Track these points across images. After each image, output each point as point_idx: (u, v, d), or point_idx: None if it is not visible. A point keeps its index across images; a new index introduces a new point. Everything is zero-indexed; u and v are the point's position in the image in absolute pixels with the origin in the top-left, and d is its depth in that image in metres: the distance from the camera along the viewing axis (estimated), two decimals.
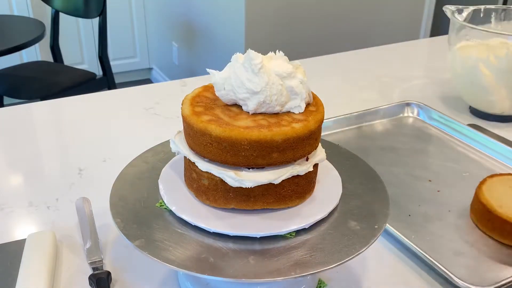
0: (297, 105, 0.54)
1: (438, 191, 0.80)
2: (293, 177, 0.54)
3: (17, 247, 0.65)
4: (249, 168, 0.53)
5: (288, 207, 0.56)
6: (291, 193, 0.55)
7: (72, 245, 0.68)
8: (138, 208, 0.56)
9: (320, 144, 0.59)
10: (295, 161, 0.54)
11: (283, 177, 0.53)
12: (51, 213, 0.74)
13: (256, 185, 0.52)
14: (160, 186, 0.59)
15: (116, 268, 0.64)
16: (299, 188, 0.55)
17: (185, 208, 0.55)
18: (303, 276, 0.48)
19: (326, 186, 0.60)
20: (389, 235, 0.69)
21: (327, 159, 0.62)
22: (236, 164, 0.52)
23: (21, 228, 0.72)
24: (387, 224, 0.57)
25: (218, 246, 0.51)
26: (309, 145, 0.54)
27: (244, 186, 0.52)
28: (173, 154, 0.63)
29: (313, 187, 0.58)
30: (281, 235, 0.53)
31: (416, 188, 0.81)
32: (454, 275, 0.60)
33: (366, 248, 0.51)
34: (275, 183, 0.52)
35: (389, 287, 0.63)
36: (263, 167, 0.53)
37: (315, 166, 0.57)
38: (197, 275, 0.48)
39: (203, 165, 0.54)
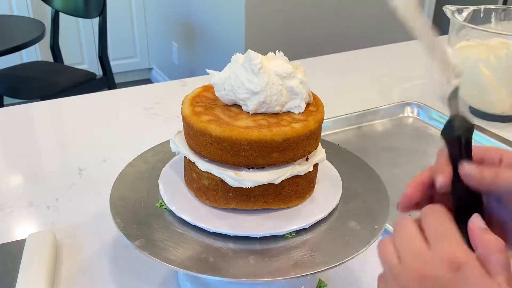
0: (297, 105, 0.54)
1: None
2: (293, 177, 0.54)
3: (17, 247, 0.65)
4: (249, 168, 0.53)
5: (288, 207, 0.56)
6: (291, 193, 0.55)
7: (72, 245, 0.68)
8: (138, 208, 0.56)
9: (320, 144, 0.58)
10: (295, 161, 0.54)
11: (283, 177, 0.53)
12: (51, 213, 0.74)
13: (256, 185, 0.52)
14: (160, 186, 0.59)
15: (116, 268, 0.64)
16: (299, 188, 0.55)
17: (185, 208, 0.55)
18: (303, 276, 0.48)
19: (326, 186, 0.59)
20: (389, 235, 0.69)
21: (327, 159, 0.62)
22: (236, 164, 0.52)
23: (21, 228, 0.72)
24: (387, 224, 0.57)
25: (218, 246, 0.51)
26: (309, 145, 0.54)
27: (244, 186, 0.52)
28: (173, 154, 0.63)
29: (313, 187, 0.58)
30: (281, 235, 0.53)
31: None
32: None
33: (366, 248, 0.51)
34: (275, 183, 0.52)
35: None
36: (263, 167, 0.53)
37: (315, 166, 0.57)
38: (197, 275, 0.48)
39: (203, 165, 0.54)
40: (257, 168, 0.53)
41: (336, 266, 0.49)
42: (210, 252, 0.51)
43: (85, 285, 0.61)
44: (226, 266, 0.49)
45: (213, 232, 0.52)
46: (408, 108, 1.04)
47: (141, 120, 1.03)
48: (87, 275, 0.63)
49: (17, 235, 0.70)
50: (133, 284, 0.62)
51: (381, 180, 0.62)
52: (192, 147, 0.55)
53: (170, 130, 0.64)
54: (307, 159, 0.56)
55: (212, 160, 0.53)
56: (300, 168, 0.54)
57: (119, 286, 0.61)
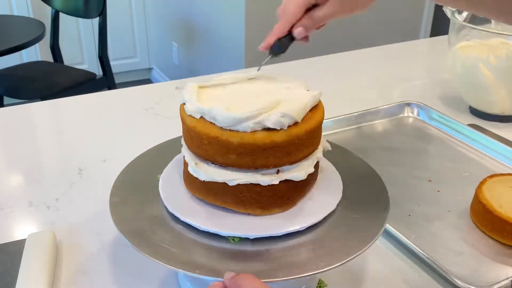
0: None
1: (438, 191, 0.79)
2: (254, 185, 0.52)
3: (17, 247, 0.65)
4: (214, 163, 0.53)
5: (249, 214, 0.54)
6: (251, 200, 0.53)
7: (72, 245, 0.68)
8: (137, 208, 0.57)
9: (309, 162, 0.55)
10: (256, 168, 0.52)
11: (239, 181, 0.52)
12: (51, 213, 0.74)
13: (210, 180, 0.52)
14: (160, 180, 0.60)
15: (116, 268, 0.64)
16: (262, 199, 0.53)
17: (175, 203, 0.56)
18: (303, 276, 0.48)
19: (326, 187, 0.59)
20: (389, 235, 0.69)
21: (327, 159, 0.62)
22: (202, 157, 0.54)
23: (21, 228, 0.72)
24: (387, 224, 0.57)
25: (217, 246, 0.51)
26: (275, 157, 0.51)
27: (199, 178, 0.53)
28: (172, 155, 0.63)
29: (286, 203, 0.55)
30: (280, 235, 0.52)
31: (416, 188, 0.81)
32: (454, 275, 0.60)
33: (366, 248, 0.51)
34: (230, 185, 0.52)
35: (389, 287, 0.63)
36: (224, 166, 0.53)
37: (288, 182, 0.53)
38: (194, 275, 0.48)
39: (184, 151, 0.56)
40: (219, 165, 0.53)
41: (336, 266, 0.49)
42: (208, 252, 0.51)
43: (85, 285, 0.61)
44: (225, 267, 0.49)
45: (212, 233, 0.52)
46: (408, 108, 1.04)
47: (141, 120, 1.03)
48: (87, 275, 0.63)
49: (17, 235, 0.70)
50: (133, 284, 0.62)
51: (381, 180, 0.62)
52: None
53: (170, 130, 0.64)
54: (277, 172, 0.53)
55: (188, 148, 0.56)
56: (260, 178, 0.52)
57: (119, 286, 0.61)
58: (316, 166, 0.57)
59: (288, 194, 0.54)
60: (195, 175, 0.54)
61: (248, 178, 0.52)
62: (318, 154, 0.57)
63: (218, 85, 0.58)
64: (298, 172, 0.53)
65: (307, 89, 0.57)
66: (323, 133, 0.59)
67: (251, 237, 0.52)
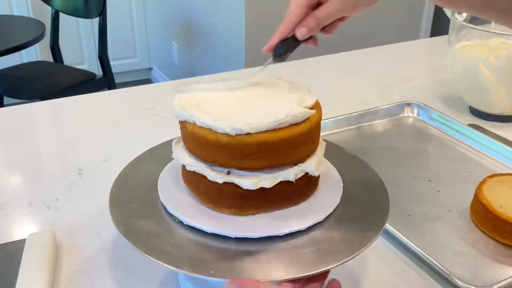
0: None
1: (438, 191, 0.79)
2: (234, 184, 0.52)
3: (17, 247, 0.65)
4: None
5: (224, 212, 0.54)
6: (229, 196, 0.53)
7: (72, 245, 0.68)
8: (137, 208, 0.57)
9: (290, 171, 0.53)
10: (227, 167, 0.52)
11: (217, 179, 0.52)
12: (51, 213, 0.74)
13: (191, 169, 0.54)
14: (164, 170, 0.61)
15: (116, 268, 0.64)
16: (238, 196, 0.53)
17: (174, 203, 0.56)
18: (303, 276, 0.48)
19: (326, 187, 0.59)
20: (389, 235, 0.69)
21: (328, 159, 0.62)
22: (188, 150, 0.55)
23: (21, 228, 0.72)
24: (387, 224, 0.57)
25: (217, 246, 0.51)
26: (252, 160, 0.51)
27: (181, 163, 0.55)
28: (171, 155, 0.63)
29: (258, 207, 0.54)
30: (281, 235, 0.52)
31: (416, 188, 0.81)
32: (454, 275, 0.60)
33: (366, 248, 0.51)
34: (209, 179, 0.53)
35: (389, 287, 0.63)
36: (204, 161, 0.54)
37: (263, 191, 0.52)
38: (194, 275, 0.48)
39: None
40: (200, 159, 0.54)
41: (335, 266, 0.49)
42: (208, 252, 0.51)
43: (85, 285, 0.61)
44: (225, 267, 0.49)
45: (212, 233, 0.52)
46: (408, 108, 1.04)
47: (141, 120, 1.03)
48: (87, 275, 0.63)
49: (17, 235, 0.70)
50: (133, 284, 0.62)
51: (381, 180, 0.62)
52: None
53: (170, 130, 0.64)
54: (228, 173, 0.53)
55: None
56: (237, 179, 0.52)
57: (119, 286, 0.61)
58: (306, 179, 0.55)
59: (263, 198, 0.53)
60: (178, 160, 0.56)
61: (228, 177, 0.52)
62: (289, 173, 0.53)
63: (212, 92, 0.58)
64: (267, 180, 0.52)
65: (308, 94, 0.57)
66: (322, 133, 0.58)
67: (229, 236, 0.52)
